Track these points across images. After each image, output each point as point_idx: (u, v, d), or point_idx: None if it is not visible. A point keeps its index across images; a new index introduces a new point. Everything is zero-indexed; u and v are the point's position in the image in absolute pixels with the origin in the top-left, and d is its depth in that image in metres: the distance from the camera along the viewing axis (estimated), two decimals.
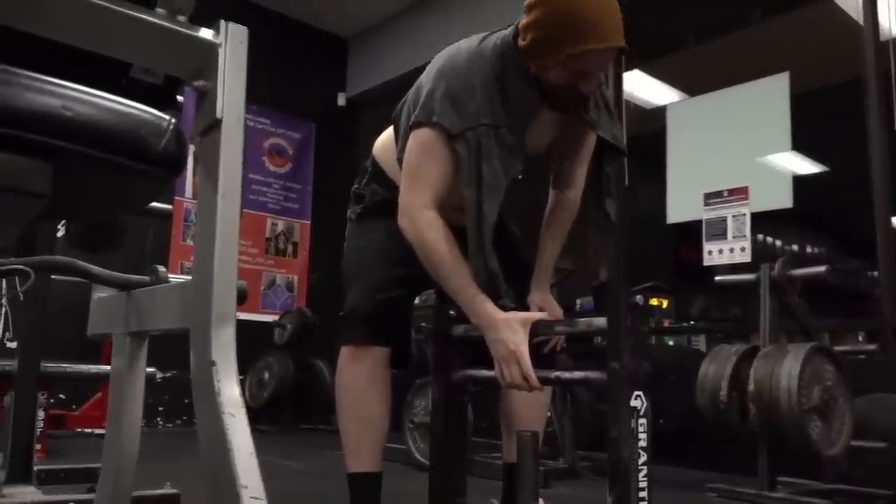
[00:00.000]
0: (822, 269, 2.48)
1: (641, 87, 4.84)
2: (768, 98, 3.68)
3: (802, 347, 2.26)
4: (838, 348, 2.48)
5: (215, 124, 0.82)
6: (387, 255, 1.79)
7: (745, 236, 3.62)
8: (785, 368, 2.20)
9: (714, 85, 4.03)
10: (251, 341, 4.84)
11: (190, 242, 5.19)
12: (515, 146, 1.59)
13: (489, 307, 1.54)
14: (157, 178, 0.79)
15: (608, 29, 1.49)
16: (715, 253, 3.70)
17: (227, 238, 0.82)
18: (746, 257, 3.59)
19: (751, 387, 2.28)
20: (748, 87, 3.81)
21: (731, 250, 3.65)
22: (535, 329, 1.49)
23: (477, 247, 1.55)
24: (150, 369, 1.19)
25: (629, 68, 4.58)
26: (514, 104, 1.59)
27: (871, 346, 3.04)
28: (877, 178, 3.34)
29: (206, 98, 0.84)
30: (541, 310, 1.71)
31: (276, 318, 5.27)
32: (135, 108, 0.76)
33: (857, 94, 3.50)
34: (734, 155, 3.79)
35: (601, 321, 1.21)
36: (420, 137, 1.60)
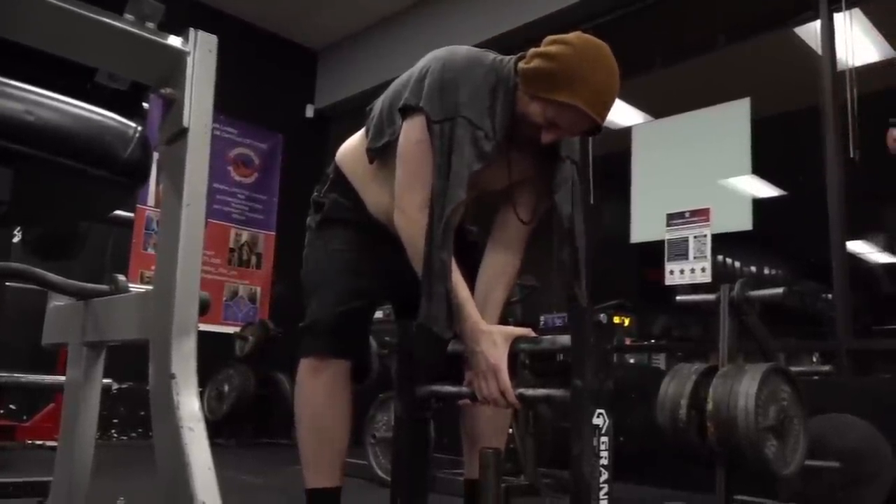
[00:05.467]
0: (779, 290, 2.53)
1: None
2: (730, 122, 3.77)
3: (760, 368, 2.30)
4: (794, 369, 2.52)
5: (181, 133, 0.81)
6: (347, 267, 1.77)
7: (705, 257, 3.69)
8: (743, 388, 2.24)
9: (678, 108, 4.11)
10: (211, 353, 4.76)
11: (151, 251, 5.10)
12: (486, 153, 1.59)
13: (475, 317, 1.53)
14: (121, 187, 0.78)
15: (602, 102, 1.54)
16: (676, 273, 3.76)
17: (191, 249, 0.80)
18: (707, 278, 3.66)
19: (709, 406, 2.30)
20: (711, 111, 3.90)
21: (693, 270, 3.71)
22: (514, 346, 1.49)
23: (433, 234, 1.53)
24: (106, 380, 1.16)
25: None
26: (498, 119, 1.61)
27: (826, 367, 3.10)
28: (833, 204, 3.44)
29: (172, 106, 0.83)
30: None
31: (237, 329, 5.20)
32: (100, 114, 0.75)
33: (815, 120, 3.60)
34: (696, 177, 3.86)
35: (565, 339, 1.22)
36: (414, 131, 1.60)
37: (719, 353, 2.48)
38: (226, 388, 4.84)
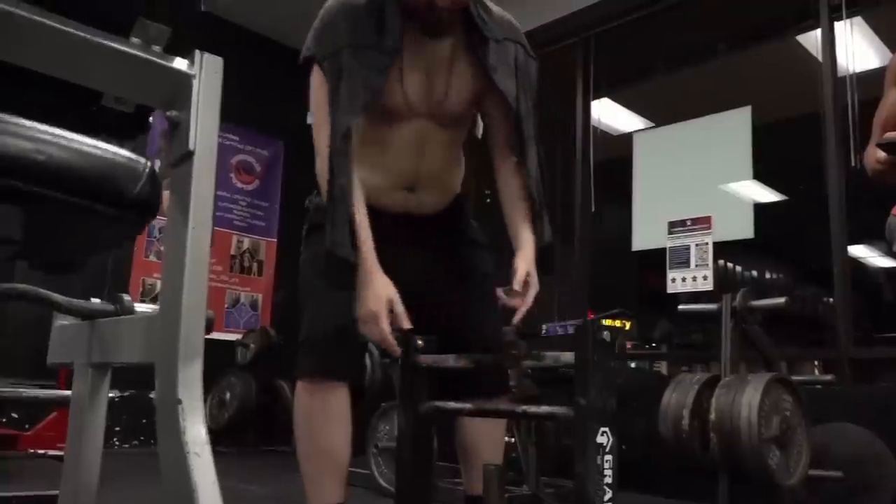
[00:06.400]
0: (781, 300, 2.53)
1: (609, 114, 4.93)
2: (731, 130, 3.77)
3: (762, 377, 2.29)
4: (796, 378, 2.52)
5: (187, 156, 0.81)
6: (331, 276, 1.73)
7: (707, 265, 3.68)
8: (745, 398, 2.24)
9: (680, 115, 4.11)
10: (213, 361, 4.72)
11: (153, 258, 5.09)
12: (382, 66, 1.60)
13: (368, 262, 1.56)
14: (130, 223, 0.78)
15: None
16: (678, 281, 3.76)
17: (197, 271, 0.81)
18: (709, 285, 3.66)
19: (712, 416, 2.30)
20: (712, 118, 3.90)
21: (694, 278, 3.71)
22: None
23: (331, 162, 1.56)
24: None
25: (597, 96, 4.66)
26: (388, 29, 1.61)
27: (828, 377, 3.10)
28: (834, 210, 3.44)
29: (178, 128, 0.83)
30: (526, 282, 1.63)
31: (239, 336, 5.19)
32: (109, 151, 0.75)
33: (816, 126, 3.61)
34: (698, 184, 3.87)
35: (568, 356, 1.22)
36: (314, 80, 1.66)
37: (721, 362, 2.48)
38: (227, 395, 4.83)
